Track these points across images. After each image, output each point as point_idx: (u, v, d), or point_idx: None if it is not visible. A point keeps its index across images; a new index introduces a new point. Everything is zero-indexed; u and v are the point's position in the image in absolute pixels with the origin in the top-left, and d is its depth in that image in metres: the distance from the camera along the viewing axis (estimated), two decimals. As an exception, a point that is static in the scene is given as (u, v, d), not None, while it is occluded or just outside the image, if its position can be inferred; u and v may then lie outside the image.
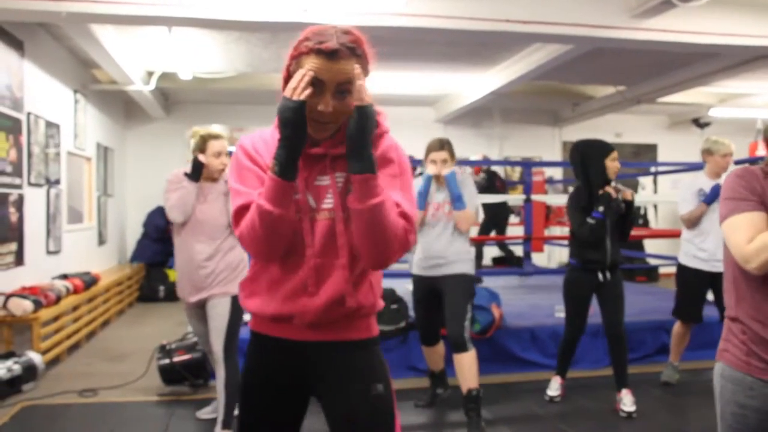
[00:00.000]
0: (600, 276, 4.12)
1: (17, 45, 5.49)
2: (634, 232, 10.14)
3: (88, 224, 7.75)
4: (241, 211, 1.60)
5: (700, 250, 4.57)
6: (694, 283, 4.65)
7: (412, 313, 5.15)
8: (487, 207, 8.12)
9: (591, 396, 4.54)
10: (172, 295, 8.26)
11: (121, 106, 9.34)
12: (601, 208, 3.98)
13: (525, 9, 5.12)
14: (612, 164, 4.04)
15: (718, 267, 4.45)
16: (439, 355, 4.19)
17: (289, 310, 1.64)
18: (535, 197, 7.24)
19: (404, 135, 10.43)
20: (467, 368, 3.74)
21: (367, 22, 5.13)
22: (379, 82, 8.72)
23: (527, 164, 9.09)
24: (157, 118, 9.61)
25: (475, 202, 3.91)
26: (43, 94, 6.16)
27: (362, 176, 1.51)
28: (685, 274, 4.72)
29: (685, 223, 4.62)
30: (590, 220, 4.01)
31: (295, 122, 1.50)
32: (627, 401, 4.13)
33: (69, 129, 6.93)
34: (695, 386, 4.79)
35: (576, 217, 4.10)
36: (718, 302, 4.56)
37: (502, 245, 8.83)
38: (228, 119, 9.90)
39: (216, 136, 3.62)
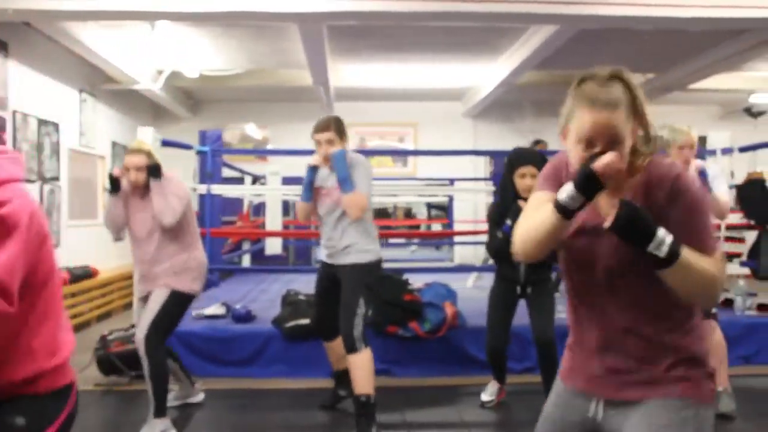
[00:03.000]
0: (518, 290, 3.79)
1: (0, 46, 5.74)
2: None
3: (101, 221, 8.00)
4: None
5: None
6: None
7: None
8: None
9: (533, 404, 4.14)
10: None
11: (145, 106, 9.57)
12: (509, 222, 3.55)
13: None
14: (521, 181, 3.60)
15: None
16: (339, 353, 3.87)
17: None
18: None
19: (433, 130, 10.24)
20: (357, 371, 3.46)
21: (337, 7, 5.02)
22: (399, 77, 8.55)
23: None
24: (184, 118, 9.83)
25: (368, 186, 3.53)
26: (36, 93, 6.40)
27: None
28: None
29: None
30: (499, 234, 3.64)
31: None
32: (554, 409, 3.74)
33: (72, 127, 7.19)
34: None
35: (489, 230, 3.82)
36: None
37: None
38: (255, 117, 10.00)
39: (129, 151, 3.62)
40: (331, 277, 3.68)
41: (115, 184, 3.58)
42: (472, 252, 9.76)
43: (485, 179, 9.84)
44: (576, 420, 1.60)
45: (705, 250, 1.42)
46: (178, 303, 3.58)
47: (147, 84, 7.74)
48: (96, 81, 7.70)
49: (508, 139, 10.11)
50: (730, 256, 5.56)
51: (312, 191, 3.65)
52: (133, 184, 3.55)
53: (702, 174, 3.90)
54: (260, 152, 10.01)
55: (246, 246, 8.57)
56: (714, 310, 3.97)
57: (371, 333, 4.82)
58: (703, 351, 1.53)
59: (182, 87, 8.91)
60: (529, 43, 6.49)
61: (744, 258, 5.64)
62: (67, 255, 6.84)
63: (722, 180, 4.00)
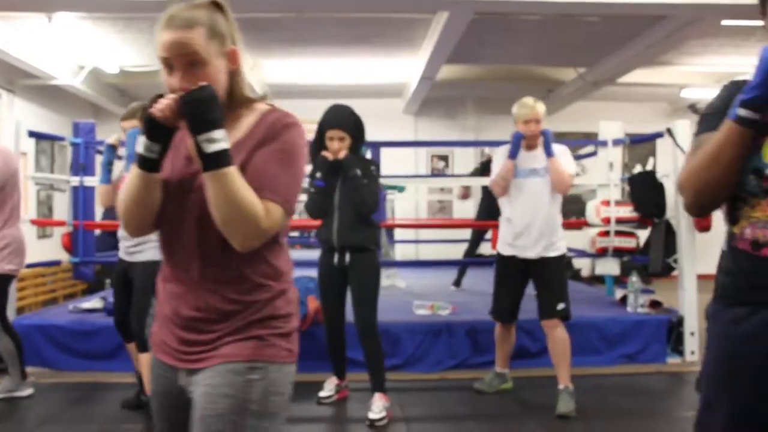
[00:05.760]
0: (335, 258, 3.66)
1: None
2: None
3: (23, 217, 7.96)
4: None
5: (509, 233, 3.95)
6: (504, 274, 4.03)
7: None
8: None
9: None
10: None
11: (82, 104, 9.47)
12: (319, 174, 3.59)
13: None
14: (329, 144, 3.60)
15: (527, 252, 3.84)
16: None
17: None
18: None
19: (373, 127, 10.18)
20: (145, 369, 3.38)
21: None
22: (332, 74, 8.45)
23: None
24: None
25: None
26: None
27: None
28: (498, 264, 4.11)
29: (495, 189, 3.98)
30: (311, 189, 3.64)
31: None
32: (375, 407, 3.60)
33: (-18, 123, 7.14)
34: (522, 395, 4.15)
35: (307, 190, 3.74)
36: (539, 296, 3.92)
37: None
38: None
39: None
40: (124, 274, 3.59)
41: None
42: (413, 250, 9.66)
43: (426, 176, 9.72)
44: (170, 391, 1.48)
45: (266, 192, 1.34)
46: None
47: (67, 80, 7.68)
48: (14, 77, 7.64)
49: (451, 135, 10.02)
50: (621, 252, 5.39)
51: (110, 172, 3.60)
52: None
53: (545, 136, 3.82)
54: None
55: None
56: (561, 306, 3.83)
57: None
58: (282, 310, 1.44)
59: (113, 84, 8.85)
60: (433, 35, 6.37)
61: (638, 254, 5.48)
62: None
63: (567, 156, 3.88)
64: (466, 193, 8.49)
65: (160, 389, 1.50)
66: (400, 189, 7.63)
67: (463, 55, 7.07)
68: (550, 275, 3.86)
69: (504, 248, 3.99)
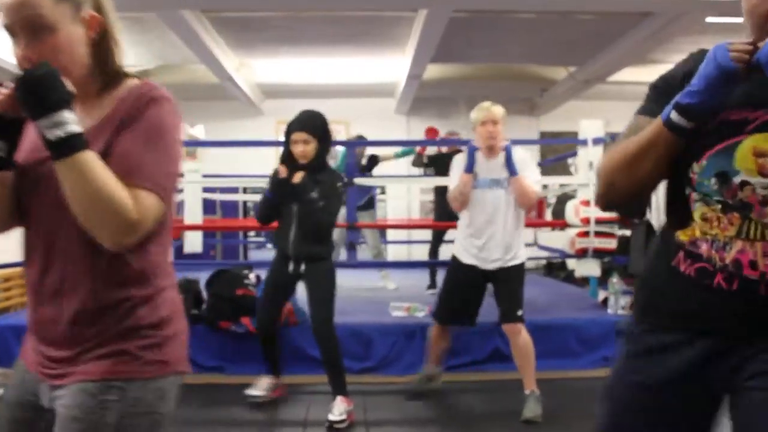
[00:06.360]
0: (290, 267, 3.63)
1: None
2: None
3: None
4: None
5: (469, 243, 3.87)
6: (459, 281, 3.93)
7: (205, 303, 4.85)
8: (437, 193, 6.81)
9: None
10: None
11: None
12: (269, 187, 3.61)
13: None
14: (293, 147, 3.52)
15: (488, 264, 3.77)
16: None
17: None
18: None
19: (365, 127, 10.11)
20: None
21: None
22: (324, 74, 8.40)
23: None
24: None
25: None
26: None
27: None
28: (453, 269, 3.99)
29: (453, 204, 3.86)
30: (263, 196, 3.68)
31: None
32: (335, 410, 3.55)
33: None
34: (494, 399, 4.10)
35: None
36: (499, 302, 3.85)
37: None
38: (192, 116, 9.92)
39: None
40: None
41: None
42: (405, 251, 9.60)
43: (418, 176, 9.61)
44: (24, 402, 1.33)
45: (133, 178, 1.17)
46: None
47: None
48: (3, 78, 7.65)
49: (443, 135, 9.93)
50: (601, 253, 5.30)
51: None
52: None
53: (506, 151, 3.69)
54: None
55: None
56: (520, 312, 3.76)
57: (205, 328, 4.68)
58: (147, 319, 1.27)
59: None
60: (416, 33, 6.32)
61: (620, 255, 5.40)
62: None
63: (531, 166, 3.79)
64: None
65: (16, 394, 1.34)
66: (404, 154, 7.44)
67: (452, 54, 7.02)
68: (510, 284, 3.80)
69: (463, 255, 3.88)
